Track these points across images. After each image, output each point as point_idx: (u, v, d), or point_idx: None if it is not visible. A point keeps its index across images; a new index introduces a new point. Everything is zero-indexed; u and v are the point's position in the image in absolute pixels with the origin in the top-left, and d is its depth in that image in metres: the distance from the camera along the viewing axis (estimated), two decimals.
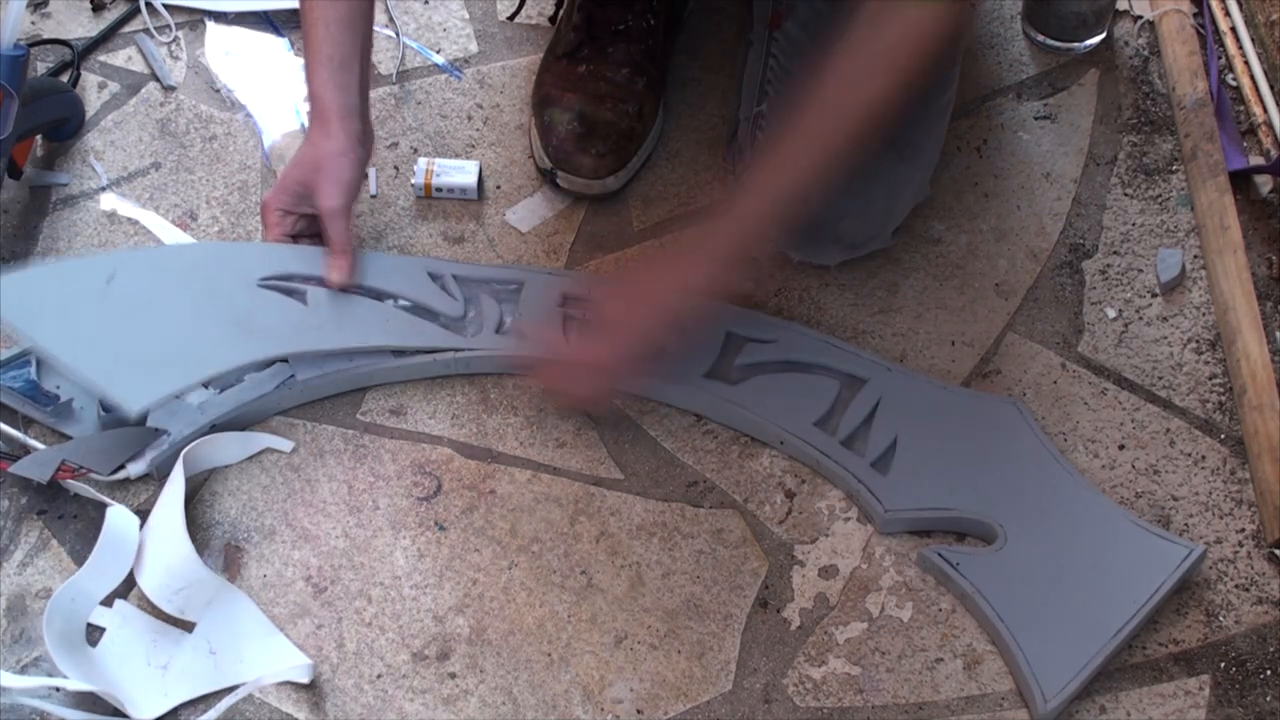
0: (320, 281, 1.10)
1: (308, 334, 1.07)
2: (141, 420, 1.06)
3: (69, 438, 1.07)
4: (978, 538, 1.03)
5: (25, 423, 1.09)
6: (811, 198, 0.99)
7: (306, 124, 1.27)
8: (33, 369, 1.08)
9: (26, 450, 1.06)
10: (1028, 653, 0.96)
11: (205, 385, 1.08)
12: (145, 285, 1.06)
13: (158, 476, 1.06)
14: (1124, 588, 0.98)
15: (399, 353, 1.10)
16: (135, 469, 1.05)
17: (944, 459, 1.05)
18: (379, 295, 1.11)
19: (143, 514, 1.03)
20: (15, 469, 1.03)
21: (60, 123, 1.24)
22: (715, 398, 1.08)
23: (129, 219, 1.22)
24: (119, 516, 1.01)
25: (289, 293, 1.09)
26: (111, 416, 1.06)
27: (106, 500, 1.03)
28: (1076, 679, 0.94)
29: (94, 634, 1.00)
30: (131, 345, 1.03)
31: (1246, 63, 1.29)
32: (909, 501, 1.03)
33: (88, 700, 0.96)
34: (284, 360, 1.09)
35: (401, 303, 1.11)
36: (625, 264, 1.18)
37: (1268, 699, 0.97)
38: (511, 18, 1.33)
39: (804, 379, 1.09)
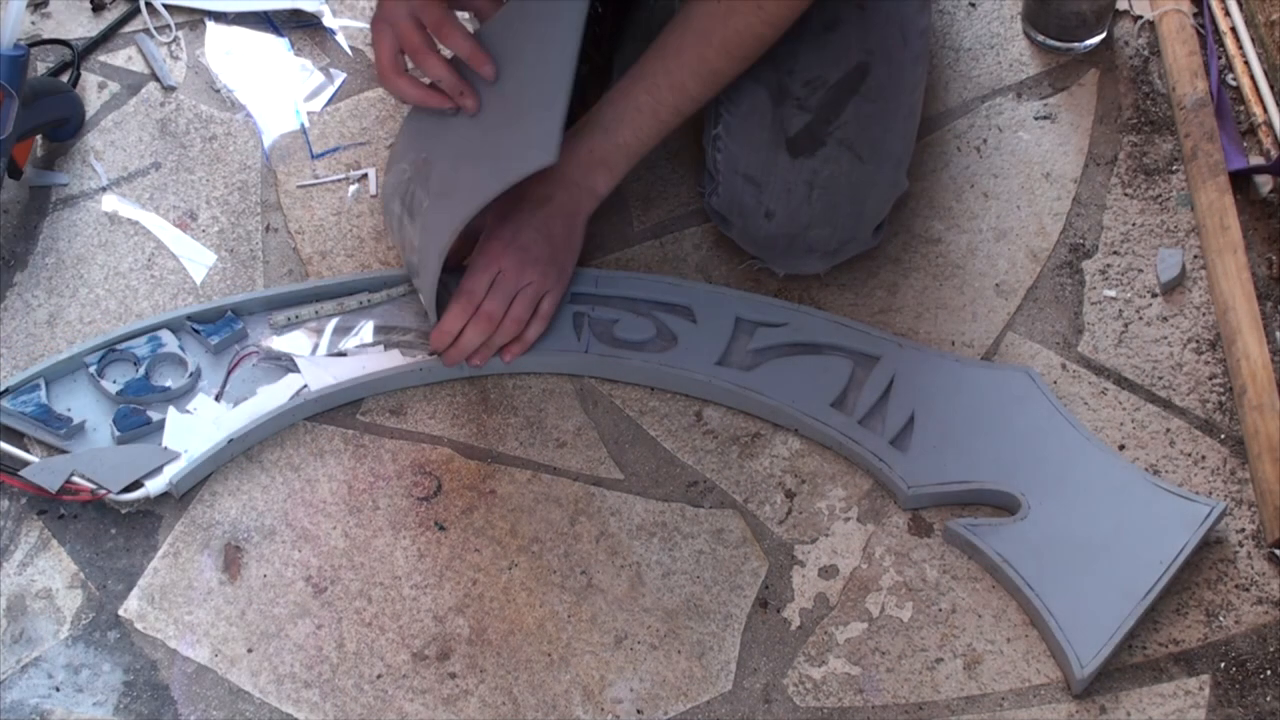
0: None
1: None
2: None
3: None
4: (1000, 508, 1.04)
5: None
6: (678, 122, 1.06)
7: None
8: (43, 392, 1.08)
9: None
10: (1060, 619, 0.97)
11: (218, 399, 1.09)
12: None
13: (177, 495, 1.05)
14: (1149, 549, 0.98)
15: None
16: (155, 487, 1.04)
17: (962, 432, 1.05)
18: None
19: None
20: (26, 473, 1.04)
21: (60, 123, 1.24)
22: (730, 385, 1.08)
23: (129, 219, 1.22)
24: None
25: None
26: (126, 434, 1.06)
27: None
28: (1110, 642, 0.95)
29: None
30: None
31: (1246, 63, 1.29)
32: (931, 477, 1.04)
33: None
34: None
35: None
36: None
37: (1268, 699, 0.97)
38: None
39: (817, 360, 1.10)
